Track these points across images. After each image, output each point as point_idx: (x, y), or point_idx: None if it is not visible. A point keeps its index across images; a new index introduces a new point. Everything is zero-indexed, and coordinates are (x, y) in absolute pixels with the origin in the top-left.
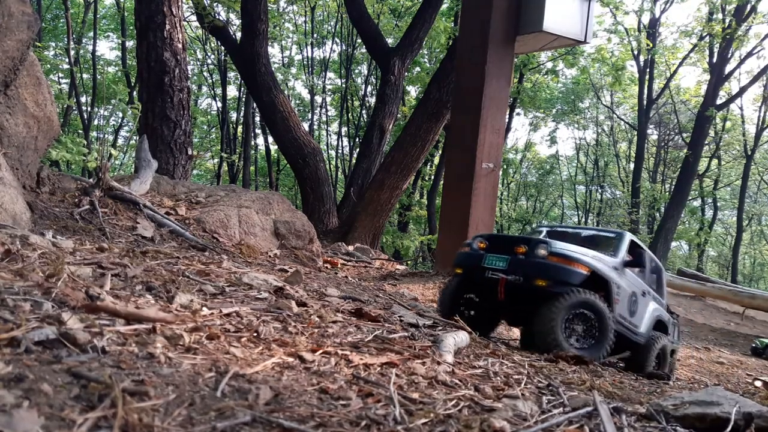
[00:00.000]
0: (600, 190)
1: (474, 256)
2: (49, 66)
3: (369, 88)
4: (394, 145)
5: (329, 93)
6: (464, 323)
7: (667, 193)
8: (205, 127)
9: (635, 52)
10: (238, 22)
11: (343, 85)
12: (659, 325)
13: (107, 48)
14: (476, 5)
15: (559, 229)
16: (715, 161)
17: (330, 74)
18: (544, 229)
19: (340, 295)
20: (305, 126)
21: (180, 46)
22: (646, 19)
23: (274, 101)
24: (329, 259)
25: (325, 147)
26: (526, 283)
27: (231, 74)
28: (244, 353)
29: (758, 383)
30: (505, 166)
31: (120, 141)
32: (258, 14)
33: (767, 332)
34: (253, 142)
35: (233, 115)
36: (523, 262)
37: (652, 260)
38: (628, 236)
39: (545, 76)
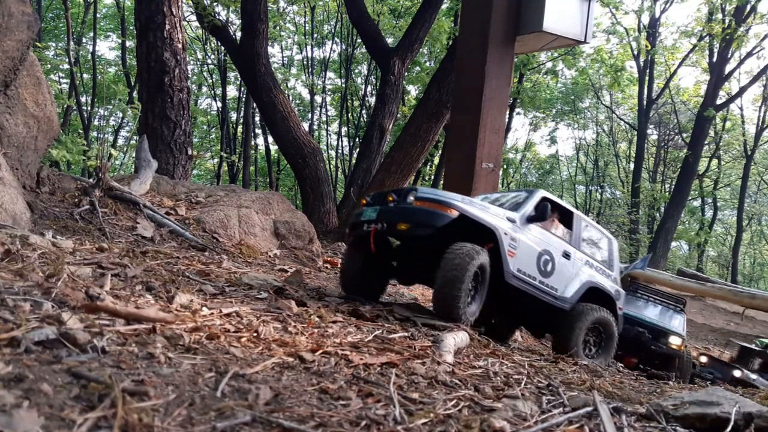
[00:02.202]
0: (600, 190)
1: (357, 215)
2: (49, 66)
3: (369, 88)
4: (394, 145)
5: (329, 93)
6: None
7: (667, 193)
8: (205, 127)
9: (635, 53)
10: (238, 22)
11: (343, 85)
12: (599, 297)
13: (107, 48)
14: (476, 5)
15: (491, 195)
16: (715, 161)
17: (330, 74)
18: (480, 196)
19: (340, 295)
20: (305, 126)
21: (180, 46)
22: (645, 19)
23: (274, 101)
24: (329, 259)
25: (325, 147)
26: (390, 230)
27: (231, 74)
28: (244, 353)
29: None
30: (505, 166)
31: (120, 141)
32: (258, 14)
33: (767, 332)
34: (253, 142)
35: (233, 115)
36: (390, 209)
37: (589, 226)
38: (539, 193)
39: (545, 76)
